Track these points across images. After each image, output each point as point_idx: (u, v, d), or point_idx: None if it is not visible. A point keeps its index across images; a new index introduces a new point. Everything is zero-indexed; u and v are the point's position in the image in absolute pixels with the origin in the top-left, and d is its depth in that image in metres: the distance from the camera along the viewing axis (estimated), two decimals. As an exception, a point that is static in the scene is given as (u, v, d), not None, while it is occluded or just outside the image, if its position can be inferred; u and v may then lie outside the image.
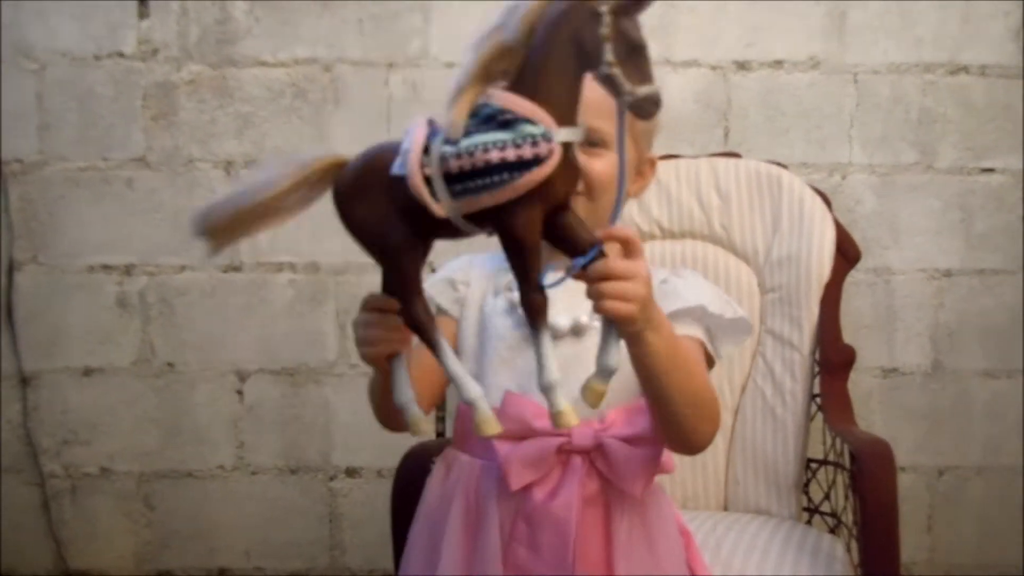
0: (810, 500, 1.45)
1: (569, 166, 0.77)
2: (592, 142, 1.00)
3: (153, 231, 1.67)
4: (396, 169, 0.80)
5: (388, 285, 0.86)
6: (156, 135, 1.67)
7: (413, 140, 0.79)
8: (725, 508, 1.43)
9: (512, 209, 0.75)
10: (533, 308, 0.78)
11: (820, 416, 1.42)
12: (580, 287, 0.90)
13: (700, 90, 1.65)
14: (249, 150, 1.67)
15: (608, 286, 0.81)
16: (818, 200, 1.47)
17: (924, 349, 1.69)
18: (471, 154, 0.75)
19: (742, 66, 1.66)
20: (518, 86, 0.76)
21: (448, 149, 0.76)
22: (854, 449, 1.23)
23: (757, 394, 1.43)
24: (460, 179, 0.76)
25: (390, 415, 0.96)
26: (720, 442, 1.44)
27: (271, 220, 0.88)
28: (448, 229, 0.80)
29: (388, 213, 0.81)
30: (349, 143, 1.68)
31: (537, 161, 0.74)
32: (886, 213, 1.68)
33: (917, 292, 1.68)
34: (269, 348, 1.68)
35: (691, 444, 0.98)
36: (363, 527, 1.70)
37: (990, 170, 1.68)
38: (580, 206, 0.96)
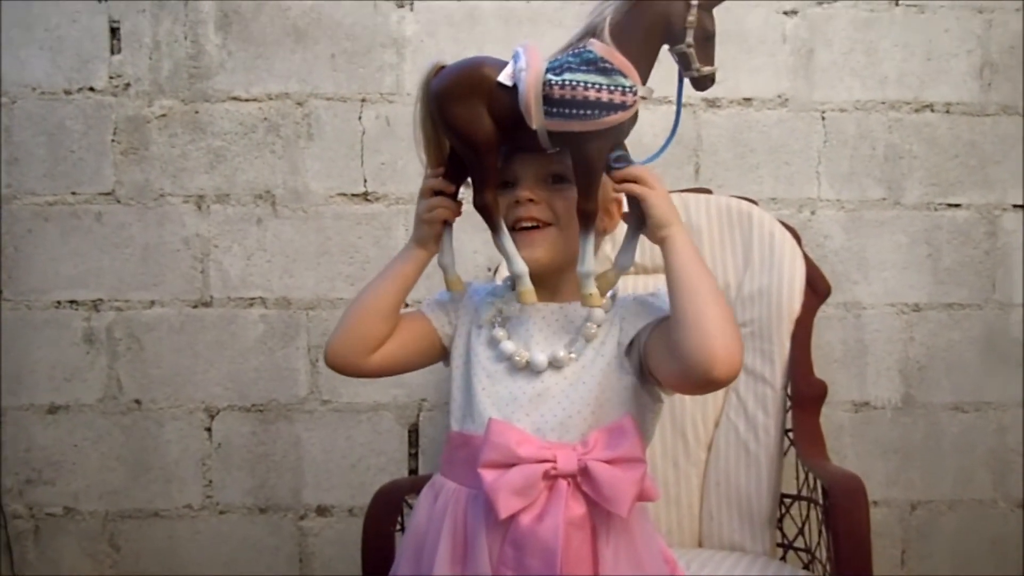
0: (784, 536, 1.45)
1: (634, 119, 0.98)
2: (557, 178, 1.08)
3: (122, 266, 1.66)
4: (505, 79, 0.98)
5: (452, 168, 1.04)
6: (126, 169, 1.66)
7: (531, 61, 0.97)
8: (700, 544, 1.42)
9: (592, 138, 0.96)
10: (586, 214, 0.99)
11: (793, 451, 1.42)
12: (558, 327, 1.08)
13: (671, 126, 1.67)
14: (220, 184, 1.66)
15: (637, 176, 1.00)
16: (788, 235, 1.48)
17: (894, 383, 1.70)
18: (573, 87, 0.95)
19: (712, 103, 1.69)
20: (616, 40, 0.95)
21: (552, 77, 0.96)
22: (827, 484, 1.23)
23: (730, 429, 1.44)
24: (557, 103, 0.95)
25: (361, 336, 1.08)
26: (694, 477, 1.44)
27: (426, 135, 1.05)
28: (525, 141, 0.99)
29: (481, 114, 0.98)
30: (322, 178, 1.70)
31: (623, 107, 0.95)
32: (855, 248, 1.70)
33: (887, 326, 1.70)
34: (239, 384, 1.66)
35: (714, 350, 0.95)
36: (334, 567, 1.67)
37: (956, 206, 1.71)
38: (549, 237, 1.04)
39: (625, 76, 0.95)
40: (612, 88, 0.94)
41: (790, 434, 1.43)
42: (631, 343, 1.06)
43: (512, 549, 0.98)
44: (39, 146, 1.65)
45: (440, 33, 1.66)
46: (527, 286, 1.01)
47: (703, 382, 0.95)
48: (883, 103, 1.70)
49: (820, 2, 1.69)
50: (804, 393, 1.43)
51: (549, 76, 0.96)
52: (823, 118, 1.69)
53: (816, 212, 1.69)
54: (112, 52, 1.65)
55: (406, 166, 1.66)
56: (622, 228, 1.06)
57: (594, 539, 0.99)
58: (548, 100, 0.96)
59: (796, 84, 1.69)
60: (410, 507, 1.30)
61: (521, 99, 0.96)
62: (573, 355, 1.06)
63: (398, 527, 1.24)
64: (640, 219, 1.00)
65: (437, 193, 1.06)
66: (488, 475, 0.98)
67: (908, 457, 1.70)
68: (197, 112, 1.66)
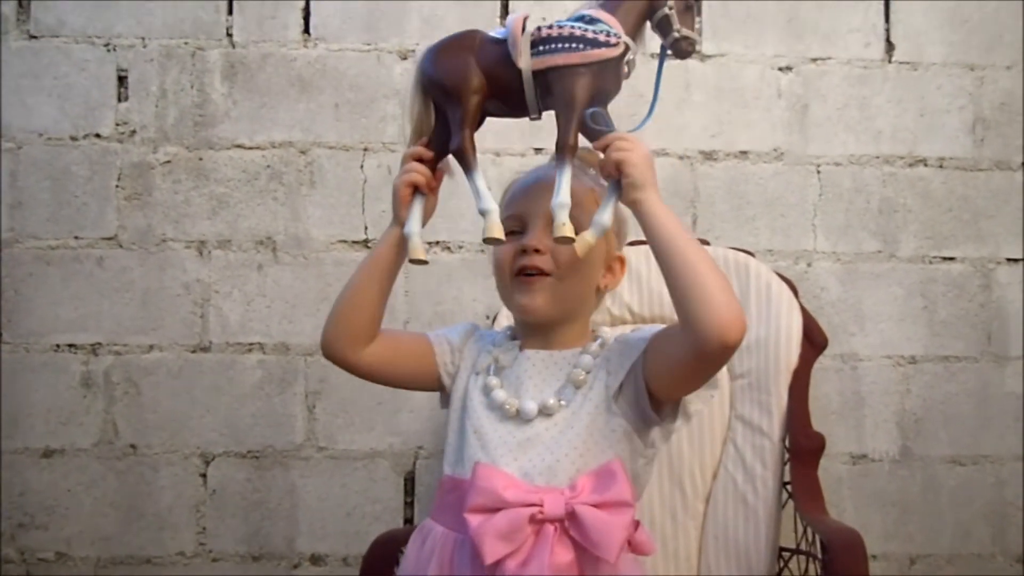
0: (782, 589, 1.44)
1: (620, 71, 1.02)
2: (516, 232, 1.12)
3: (122, 310, 1.66)
4: (497, 32, 1.05)
5: (437, 138, 1.07)
6: (129, 214, 1.67)
7: (516, 15, 1.04)
8: (697, 597, 1.41)
9: (575, 73, 1.00)
10: (563, 148, 1.00)
11: (791, 503, 1.42)
12: (548, 375, 1.08)
13: (668, 178, 1.70)
14: (222, 230, 1.67)
15: (619, 141, 1.01)
16: (785, 287, 1.49)
17: (892, 435, 1.70)
18: (560, 27, 1.01)
19: (708, 156, 1.71)
20: (605, 4, 1.03)
21: (543, 24, 1.02)
22: (825, 539, 1.22)
23: (728, 481, 1.43)
24: (543, 42, 1.01)
25: (348, 315, 1.10)
26: (692, 530, 1.43)
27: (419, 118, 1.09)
28: (511, 97, 1.03)
29: (470, 65, 1.04)
30: (324, 225, 1.72)
31: (607, 44, 1.00)
32: (851, 300, 1.71)
33: (883, 378, 1.70)
34: (235, 430, 1.66)
35: (722, 317, 0.95)
36: (327, 616, 1.66)
37: (950, 259, 1.72)
38: (547, 286, 1.05)
39: (610, 26, 1.01)
40: (597, 31, 1.00)
41: (788, 487, 1.43)
42: (620, 385, 1.06)
43: None
44: (43, 191, 1.66)
45: (442, 85, 1.69)
46: (493, 221, 1.02)
47: (719, 350, 0.97)
48: (877, 157, 1.73)
49: (814, 59, 1.72)
50: (802, 446, 1.43)
51: (540, 24, 1.02)
52: (818, 171, 1.72)
53: (812, 264, 1.71)
54: (119, 100, 1.68)
55: (407, 214, 1.67)
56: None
57: None
58: (535, 43, 1.01)
59: (791, 138, 1.72)
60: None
61: (509, 39, 1.02)
62: (563, 402, 1.07)
63: (394, 577, 1.23)
64: (618, 181, 1.02)
65: (416, 158, 1.09)
66: (474, 520, 0.98)
67: (906, 510, 1.69)
68: (201, 159, 1.68)
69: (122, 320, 1.66)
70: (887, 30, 1.73)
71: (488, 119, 1.09)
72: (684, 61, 1.70)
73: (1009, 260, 1.72)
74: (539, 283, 1.09)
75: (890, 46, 1.73)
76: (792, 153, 1.72)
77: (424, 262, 1.08)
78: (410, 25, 1.70)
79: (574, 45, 1.00)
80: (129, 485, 1.65)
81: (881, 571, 1.66)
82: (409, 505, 1.67)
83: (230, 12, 1.69)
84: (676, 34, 1.02)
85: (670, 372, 1.03)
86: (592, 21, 1.02)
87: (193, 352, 1.67)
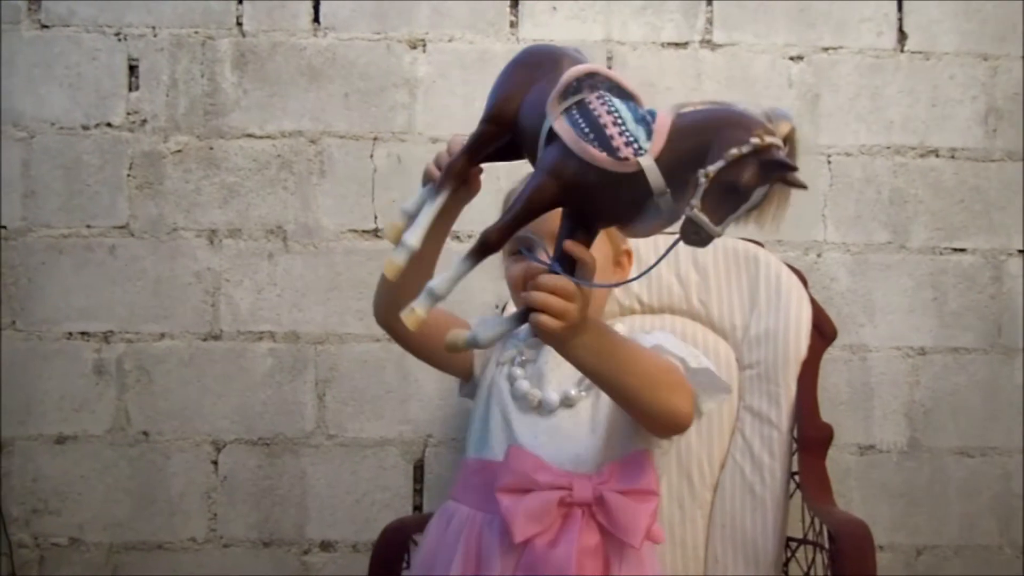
0: (789, 580, 1.44)
1: (626, 198, 0.84)
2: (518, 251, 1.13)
3: (134, 299, 1.67)
4: (567, 74, 0.88)
5: (474, 145, 0.96)
6: (141, 203, 1.68)
7: (579, 69, 0.88)
8: (704, 587, 1.42)
9: (557, 161, 0.84)
10: (483, 241, 0.87)
11: (799, 494, 1.42)
12: (567, 369, 1.03)
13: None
14: (233, 219, 1.68)
15: (537, 294, 0.89)
16: (794, 278, 1.49)
17: (900, 427, 1.70)
18: (608, 112, 0.84)
19: (719, 146, 1.70)
20: (677, 116, 0.84)
21: (604, 94, 0.86)
22: (832, 530, 1.23)
23: (736, 471, 1.44)
24: (580, 111, 0.85)
25: (392, 304, 1.03)
26: (699, 519, 1.44)
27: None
28: (529, 147, 0.90)
29: (513, 95, 0.92)
30: (334, 214, 1.72)
31: (616, 155, 0.82)
32: (860, 291, 1.70)
33: (892, 370, 1.70)
34: (246, 418, 1.67)
35: (666, 423, 1.01)
36: (337, 602, 1.67)
37: (961, 250, 1.72)
38: None
39: (648, 137, 0.82)
40: (626, 133, 0.82)
41: (796, 477, 1.43)
42: None
43: (525, 573, 0.99)
44: (55, 180, 1.67)
45: (452, 75, 1.69)
46: (397, 261, 0.91)
47: (669, 435, 1.07)
48: (888, 148, 1.72)
49: (826, 48, 1.71)
50: (810, 436, 1.43)
51: (602, 92, 0.86)
52: (829, 162, 1.71)
53: (822, 255, 1.71)
54: (130, 89, 1.68)
55: (416, 204, 1.68)
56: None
57: (606, 570, 1.01)
58: (578, 106, 0.86)
59: (802, 128, 1.69)
60: (416, 545, 1.30)
61: (553, 92, 0.87)
62: (583, 393, 1.09)
63: (404, 565, 1.24)
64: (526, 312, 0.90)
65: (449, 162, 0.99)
66: (505, 499, 1.00)
67: (913, 501, 1.69)
68: (212, 148, 1.68)
69: (134, 308, 1.67)
70: (900, 19, 1.72)
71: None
72: (695, 50, 1.70)
73: (1020, 252, 1.72)
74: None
75: (902, 35, 1.72)
76: (803, 143, 1.70)
77: (393, 241, 0.95)
78: (420, 14, 1.69)
79: (588, 133, 0.83)
80: (141, 472, 1.67)
81: (887, 562, 1.67)
82: (418, 493, 1.68)
83: (240, 1, 1.69)
84: (689, 210, 0.79)
85: None
86: (640, 120, 0.83)
87: (204, 340, 1.68)
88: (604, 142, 0.81)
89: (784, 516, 1.41)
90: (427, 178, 1.00)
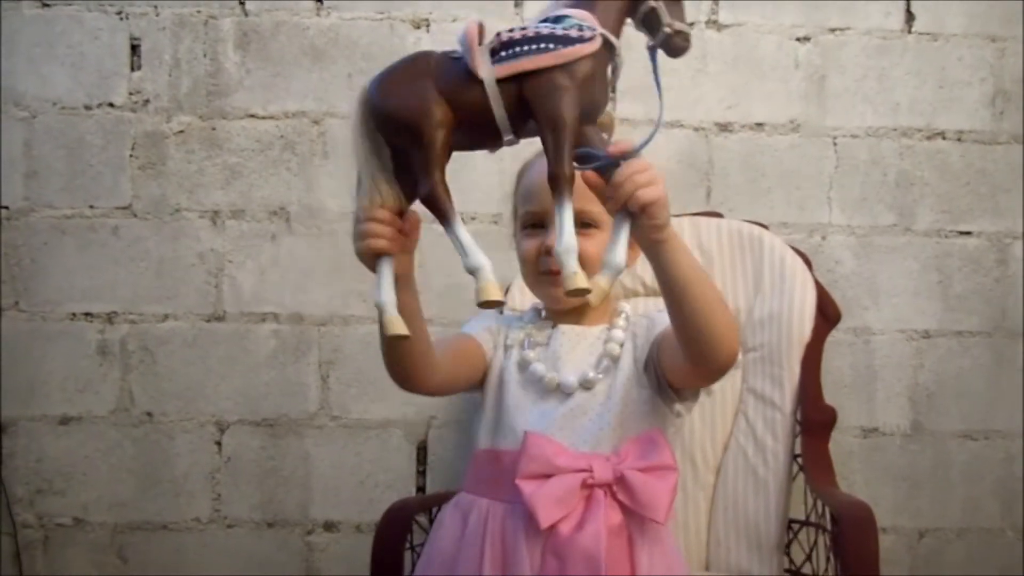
0: (791, 562, 1.44)
1: (605, 75, 0.86)
2: (584, 223, 1.07)
3: (137, 279, 1.67)
4: (447, 50, 0.88)
5: (405, 168, 0.90)
6: (143, 184, 1.67)
7: (469, 21, 0.88)
8: (707, 569, 1.42)
9: (554, 81, 0.83)
10: (559, 178, 0.84)
11: (801, 476, 1.42)
12: (583, 350, 1.07)
13: (683, 150, 1.68)
14: (236, 200, 1.67)
15: (637, 176, 0.86)
16: (799, 260, 1.49)
17: (903, 410, 1.70)
18: (523, 30, 0.85)
19: (724, 128, 1.70)
20: (579, 3, 0.87)
21: (502, 29, 0.86)
22: (836, 512, 1.23)
23: (739, 453, 1.44)
24: (505, 46, 0.85)
25: (399, 362, 1.01)
26: (702, 501, 1.44)
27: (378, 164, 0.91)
28: (480, 121, 0.86)
29: (427, 93, 0.87)
30: (337, 195, 1.71)
31: (580, 40, 0.83)
32: (865, 274, 1.70)
33: (896, 353, 1.70)
34: (250, 399, 1.67)
35: (720, 352, 0.97)
36: (340, 583, 1.68)
37: (967, 233, 1.71)
38: None
39: (582, 20, 0.85)
40: (567, 27, 0.84)
41: (799, 459, 1.43)
42: (646, 361, 1.08)
43: (554, 558, 1.00)
44: (58, 160, 1.67)
45: (456, 54, 1.68)
46: (487, 280, 0.86)
47: (716, 376, 1.01)
48: (895, 130, 1.71)
49: (833, 29, 1.70)
50: (814, 419, 1.43)
51: (501, 29, 0.86)
52: (835, 144, 1.70)
53: (827, 237, 1.70)
54: (132, 69, 1.67)
55: (420, 185, 1.67)
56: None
57: (631, 546, 1.01)
58: (496, 51, 0.85)
59: (808, 110, 1.70)
60: (420, 526, 1.31)
61: (464, 48, 0.86)
62: (600, 375, 1.09)
63: (407, 546, 1.25)
64: (627, 212, 0.88)
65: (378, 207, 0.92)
66: (527, 486, 1.00)
67: (916, 484, 1.70)
68: (214, 129, 1.67)
69: (137, 289, 1.67)
70: (907, 0, 1.71)
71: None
72: (700, 31, 1.69)
73: (1026, 235, 1.71)
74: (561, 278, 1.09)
75: (910, 16, 1.71)
76: (809, 125, 1.70)
77: (404, 336, 0.90)
78: (424, -7, 1.68)
79: (543, 45, 0.83)
80: (145, 452, 1.67)
81: (890, 545, 1.67)
82: (421, 474, 1.68)
83: (243, -20, 1.68)
84: (667, 30, 0.85)
85: (682, 380, 1.07)
86: (560, 19, 0.86)
87: (208, 321, 1.67)
88: (564, 40, 0.83)
89: (787, 498, 1.41)
90: (368, 264, 0.93)
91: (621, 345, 1.11)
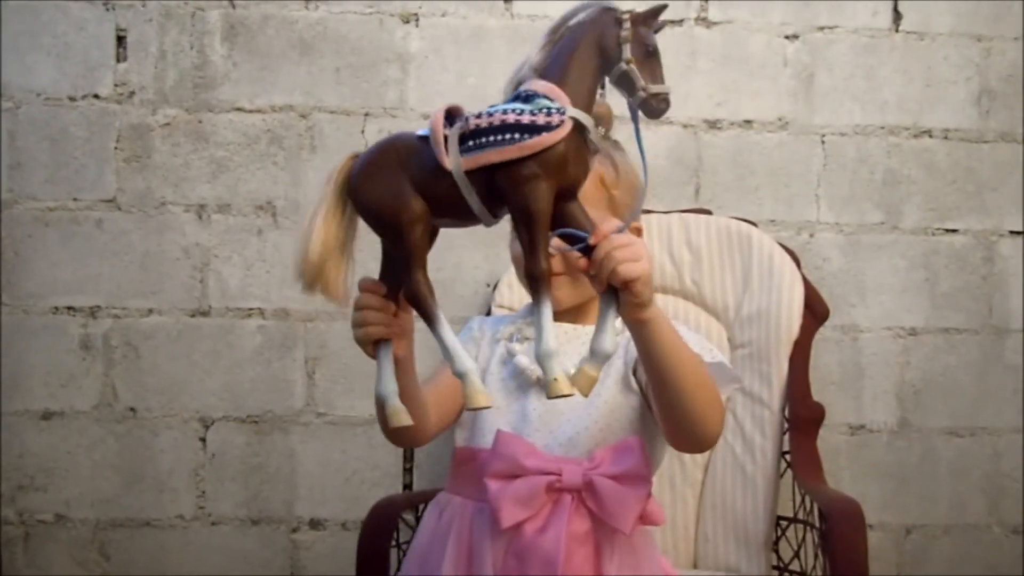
0: (779, 558, 1.44)
1: (582, 151, 0.83)
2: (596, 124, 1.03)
3: (121, 273, 1.65)
4: (420, 131, 0.87)
5: (388, 267, 0.90)
6: (128, 177, 1.66)
7: (436, 110, 0.86)
8: (695, 566, 1.42)
9: (522, 174, 0.80)
10: (536, 277, 0.81)
11: (789, 473, 1.42)
12: (571, 348, 1.03)
13: (672, 147, 1.68)
14: (222, 194, 1.66)
15: (619, 251, 0.83)
16: (787, 257, 1.49)
17: (890, 406, 1.70)
18: (490, 115, 0.82)
19: (713, 125, 1.70)
20: (546, 75, 0.84)
21: (472, 114, 0.83)
22: (824, 508, 1.23)
23: (727, 450, 1.43)
24: (472, 135, 0.82)
25: (398, 436, 1.01)
26: (690, 498, 1.44)
27: (342, 244, 0.89)
28: (456, 208, 0.84)
29: (402, 187, 0.85)
30: (324, 190, 1.69)
31: (547, 127, 0.80)
32: (853, 271, 1.70)
33: (883, 350, 1.70)
34: (235, 395, 1.66)
35: (701, 434, 0.97)
36: (326, 580, 1.67)
37: (953, 231, 1.72)
38: (563, 284, 1.03)
39: (551, 100, 0.82)
40: (535, 111, 0.81)
41: (787, 456, 1.43)
42: (635, 364, 1.07)
43: (514, 559, 0.98)
44: (42, 151, 1.65)
45: (445, 50, 1.67)
46: (475, 387, 0.84)
47: (694, 452, 1.06)
48: (882, 128, 1.71)
49: (821, 27, 1.71)
50: (802, 416, 1.43)
51: (468, 115, 0.84)
52: (823, 141, 1.71)
53: (815, 235, 1.70)
54: (118, 60, 1.66)
55: (408, 180, 1.66)
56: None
57: (598, 557, 0.99)
58: (465, 137, 0.83)
59: (796, 107, 1.70)
60: (406, 523, 1.30)
61: (431, 138, 0.84)
62: None
63: (393, 543, 1.24)
64: (614, 291, 0.85)
65: (370, 292, 0.92)
66: (493, 484, 0.99)
67: (903, 481, 1.70)
68: (200, 122, 1.66)
69: (121, 283, 1.65)
70: (895, -1, 1.72)
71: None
72: (690, 28, 1.69)
73: (1012, 232, 1.72)
74: (556, 282, 1.08)
75: (898, 15, 1.71)
76: (797, 123, 1.70)
77: (408, 425, 0.90)
78: (413, -12, 1.67)
79: (508, 136, 0.80)
80: (128, 448, 1.65)
81: (877, 541, 1.67)
82: (408, 471, 1.67)
83: (230, -28, 1.67)
84: (643, 93, 0.81)
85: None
86: (530, 98, 0.82)
87: (192, 316, 1.66)
88: (530, 129, 0.80)
89: (775, 495, 1.41)
90: (368, 352, 0.92)
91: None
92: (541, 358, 0.81)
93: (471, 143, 0.82)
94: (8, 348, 1.64)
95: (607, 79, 0.84)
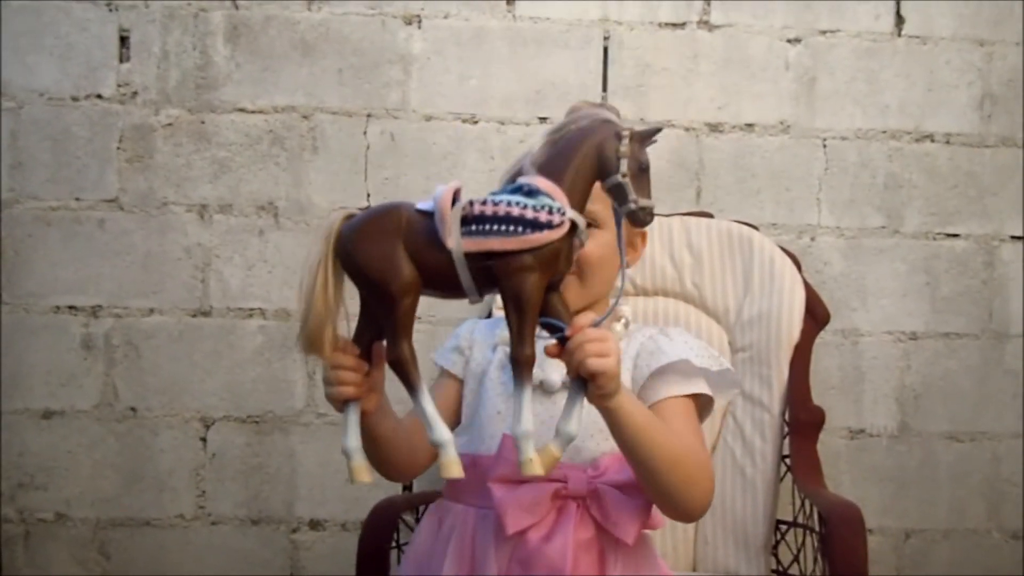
0: (779, 562, 1.44)
1: (571, 249, 0.90)
2: (587, 223, 1.05)
3: (122, 273, 1.65)
4: (422, 205, 0.90)
5: (366, 322, 0.93)
6: (130, 177, 1.66)
7: (445, 188, 0.89)
8: (694, 569, 1.42)
9: (520, 264, 0.86)
10: (521, 362, 0.87)
11: (789, 477, 1.42)
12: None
13: (673, 150, 1.68)
14: (224, 194, 1.66)
15: (589, 345, 0.88)
16: (788, 261, 1.49)
17: (891, 411, 1.70)
18: (495, 204, 0.87)
19: (714, 128, 1.70)
20: (547, 172, 0.89)
21: (476, 198, 0.88)
22: (824, 512, 1.23)
23: (727, 453, 1.44)
24: (476, 220, 0.87)
25: (388, 463, 1.03)
26: (689, 500, 1.43)
27: (337, 307, 0.92)
28: (446, 282, 0.89)
29: (396, 254, 0.88)
30: (326, 191, 1.71)
31: (548, 225, 0.86)
32: (853, 275, 1.70)
33: (884, 354, 1.70)
34: (235, 395, 1.66)
35: (681, 510, 0.99)
36: (325, 581, 1.67)
37: (954, 235, 1.72)
38: (571, 286, 1.04)
39: (553, 199, 0.87)
40: (538, 208, 0.86)
41: (787, 460, 1.43)
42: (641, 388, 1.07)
43: (519, 567, 0.98)
44: (44, 151, 1.65)
45: (447, 51, 1.67)
46: (451, 458, 0.88)
47: (686, 521, 1.05)
48: (884, 132, 1.71)
49: (823, 31, 1.71)
50: (802, 419, 1.43)
51: (473, 199, 0.88)
52: (824, 145, 1.71)
53: (816, 239, 1.70)
54: (121, 60, 1.66)
55: (409, 182, 1.66)
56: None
57: (602, 562, 0.99)
58: (467, 219, 0.87)
59: (798, 111, 1.70)
60: (406, 524, 1.30)
61: (436, 216, 0.88)
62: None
63: (393, 544, 1.24)
64: (583, 380, 0.90)
65: (343, 352, 0.94)
66: (498, 490, 0.99)
67: (903, 485, 1.70)
68: (203, 122, 1.66)
69: (122, 283, 1.65)
70: (897, 3, 1.71)
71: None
72: (692, 31, 1.69)
73: (1013, 238, 1.72)
74: (564, 282, 1.08)
75: (900, 19, 1.72)
76: (798, 126, 1.70)
77: (368, 482, 0.93)
78: (415, -11, 1.68)
79: (512, 228, 0.85)
80: (129, 448, 1.66)
81: (876, 545, 1.67)
82: (408, 472, 1.67)
83: (233, -27, 1.67)
84: (633, 205, 0.87)
85: None
86: (532, 193, 0.87)
87: (193, 316, 1.66)
88: (533, 224, 0.86)
89: (774, 499, 1.41)
90: (337, 409, 0.96)
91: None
92: (519, 437, 0.87)
93: (473, 227, 0.87)
94: (9, 347, 1.64)
95: (600, 184, 0.90)
